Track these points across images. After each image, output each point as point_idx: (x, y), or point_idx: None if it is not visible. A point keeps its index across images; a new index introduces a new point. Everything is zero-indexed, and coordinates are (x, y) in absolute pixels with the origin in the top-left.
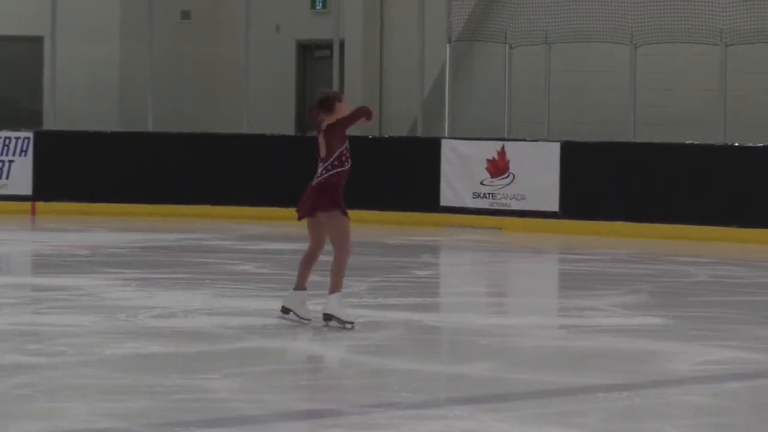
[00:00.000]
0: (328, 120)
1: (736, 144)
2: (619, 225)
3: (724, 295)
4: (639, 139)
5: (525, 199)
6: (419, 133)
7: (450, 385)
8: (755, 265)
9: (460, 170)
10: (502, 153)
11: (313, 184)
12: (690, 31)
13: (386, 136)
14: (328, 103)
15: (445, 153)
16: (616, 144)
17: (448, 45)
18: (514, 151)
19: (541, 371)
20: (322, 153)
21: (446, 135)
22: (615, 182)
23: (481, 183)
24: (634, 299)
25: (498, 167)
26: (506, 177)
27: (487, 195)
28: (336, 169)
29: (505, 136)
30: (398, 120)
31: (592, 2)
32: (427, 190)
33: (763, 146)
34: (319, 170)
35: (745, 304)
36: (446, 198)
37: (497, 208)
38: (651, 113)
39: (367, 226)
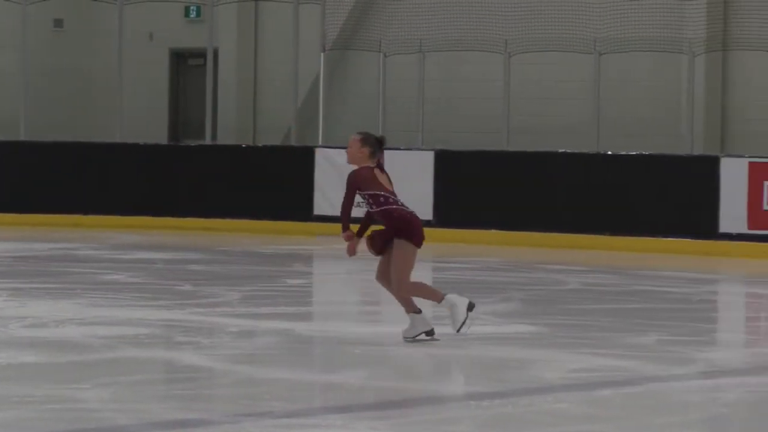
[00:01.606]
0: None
1: (609, 152)
2: (492, 233)
3: (594, 303)
4: (512, 148)
5: None
6: (293, 142)
7: (323, 393)
8: (625, 273)
9: (334, 179)
10: None
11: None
12: (563, 41)
13: (260, 145)
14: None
15: (319, 162)
16: (489, 153)
17: (322, 54)
18: (388, 159)
19: (413, 379)
20: (391, 186)
21: (320, 144)
22: (488, 191)
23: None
24: (506, 307)
25: None
26: None
27: (361, 203)
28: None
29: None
30: (273, 129)
31: (466, 12)
32: (301, 198)
33: (636, 155)
34: (400, 200)
35: (615, 311)
36: (320, 207)
37: None
38: (525, 122)
39: (240, 235)
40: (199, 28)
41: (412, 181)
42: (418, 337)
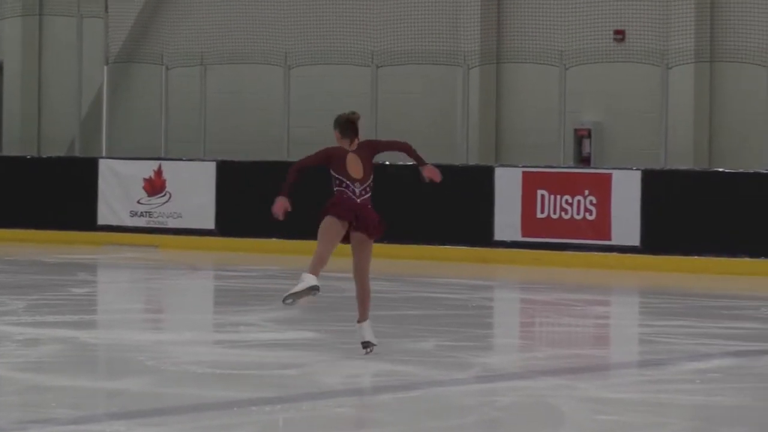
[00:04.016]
0: (357, 142)
1: (387, 162)
2: (272, 242)
3: (373, 309)
4: (292, 158)
5: (181, 217)
6: (77, 152)
7: (108, 400)
8: (403, 280)
9: (118, 189)
10: (158, 172)
11: (363, 203)
12: (342, 53)
13: (44, 156)
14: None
15: (103, 172)
16: (270, 163)
17: (105, 66)
18: (170, 170)
19: (197, 386)
20: (359, 174)
21: (104, 155)
22: (268, 200)
23: (138, 202)
24: (287, 314)
25: (155, 186)
26: (163, 195)
27: (145, 213)
28: (371, 191)
29: (162, 155)
30: (57, 140)
31: (246, 25)
32: (85, 208)
33: (412, 164)
34: (359, 190)
35: (394, 318)
36: (104, 216)
37: (154, 226)
38: (304, 133)
39: (24, 245)
40: None
41: (194, 192)
42: (300, 300)
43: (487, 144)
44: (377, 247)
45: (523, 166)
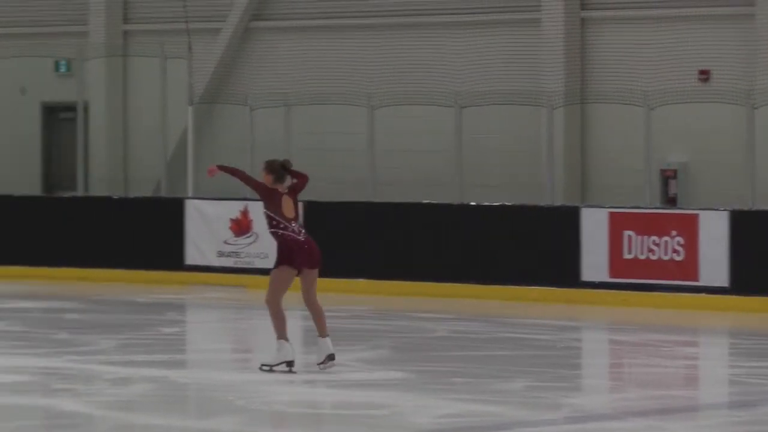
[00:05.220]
0: (286, 185)
1: (473, 203)
2: (360, 282)
3: (462, 349)
4: (378, 199)
5: (268, 257)
6: (163, 193)
7: None
8: (491, 320)
9: (204, 229)
10: (245, 212)
11: (306, 239)
12: (425, 94)
13: (131, 197)
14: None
15: (189, 212)
16: (355, 204)
17: (190, 107)
18: (257, 210)
19: (286, 425)
20: (292, 214)
21: (190, 195)
22: (354, 240)
23: (225, 242)
24: (375, 354)
25: (242, 226)
26: (249, 236)
27: (232, 254)
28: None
29: (248, 196)
30: (143, 181)
31: (330, 65)
32: (173, 249)
33: (498, 205)
34: (297, 228)
35: (482, 358)
36: (191, 257)
37: (241, 266)
38: (388, 173)
39: (112, 285)
40: (70, 82)
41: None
42: (276, 368)
43: (572, 184)
44: (468, 288)
45: (610, 207)
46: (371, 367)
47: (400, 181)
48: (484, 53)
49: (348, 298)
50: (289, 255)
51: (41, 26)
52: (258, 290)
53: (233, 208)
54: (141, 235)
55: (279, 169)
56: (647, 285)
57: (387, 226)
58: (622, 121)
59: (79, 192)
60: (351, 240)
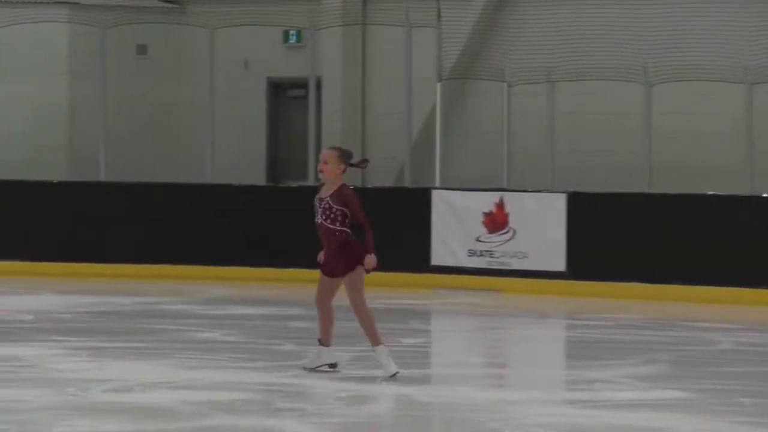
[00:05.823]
0: None
1: (766, 195)
2: (632, 286)
3: (751, 365)
4: (654, 189)
5: (527, 257)
6: (407, 182)
7: None
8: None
9: (454, 225)
10: (500, 205)
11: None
12: (709, 69)
13: (370, 186)
14: None
15: (437, 205)
16: (627, 195)
17: (438, 84)
18: (514, 203)
19: None
20: None
21: (437, 185)
22: (627, 238)
23: (477, 239)
24: (649, 370)
25: (496, 222)
26: (506, 232)
27: (484, 253)
28: None
29: (504, 186)
30: (383, 168)
31: (599, 36)
32: (417, 247)
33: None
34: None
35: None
36: (438, 256)
37: (495, 267)
38: (667, 160)
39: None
40: (300, 55)
41: (541, 228)
42: (319, 368)
43: None
44: (759, 294)
45: None
46: (643, 385)
47: (680, 170)
48: None
49: (617, 303)
50: (360, 256)
51: None
52: (515, 295)
53: (487, 200)
54: (381, 230)
55: (348, 159)
56: None
57: (664, 221)
58: None
59: (310, 181)
60: (623, 237)
